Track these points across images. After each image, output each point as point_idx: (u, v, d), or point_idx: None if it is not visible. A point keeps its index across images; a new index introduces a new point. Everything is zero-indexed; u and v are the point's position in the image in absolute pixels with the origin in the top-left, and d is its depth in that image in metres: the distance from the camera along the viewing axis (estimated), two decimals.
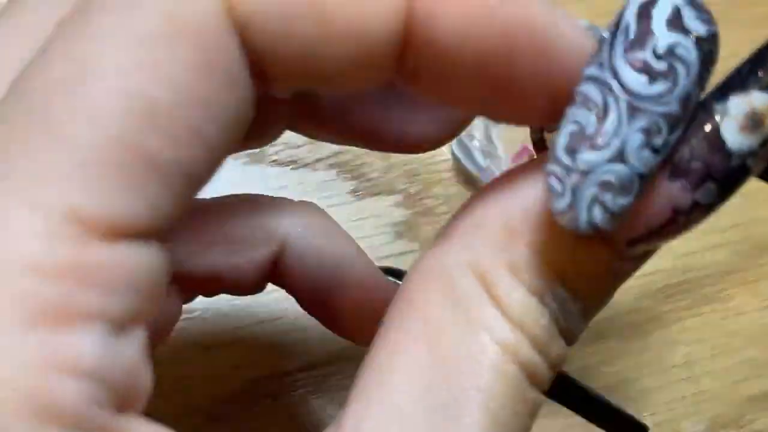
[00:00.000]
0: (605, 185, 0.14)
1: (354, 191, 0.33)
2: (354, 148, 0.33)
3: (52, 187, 0.12)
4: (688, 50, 0.14)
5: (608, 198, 0.14)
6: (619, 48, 0.14)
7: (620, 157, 0.14)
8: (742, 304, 0.33)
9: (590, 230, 0.14)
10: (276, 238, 0.23)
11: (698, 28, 0.14)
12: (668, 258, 0.34)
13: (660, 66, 0.14)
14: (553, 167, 0.15)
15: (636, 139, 0.14)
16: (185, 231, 0.22)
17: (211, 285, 0.23)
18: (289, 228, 0.23)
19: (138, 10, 0.13)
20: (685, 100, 0.14)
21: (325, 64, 0.15)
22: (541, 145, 0.19)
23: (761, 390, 0.32)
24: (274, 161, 0.32)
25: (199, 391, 0.29)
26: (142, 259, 0.13)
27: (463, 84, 0.15)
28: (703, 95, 0.15)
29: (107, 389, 0.13)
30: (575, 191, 0.14)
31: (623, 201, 0.14)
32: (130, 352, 0.13)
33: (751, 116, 0.15)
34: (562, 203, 0.14)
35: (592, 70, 0.15)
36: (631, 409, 0.31)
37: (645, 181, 0.15)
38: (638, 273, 0.34)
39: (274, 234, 0.23)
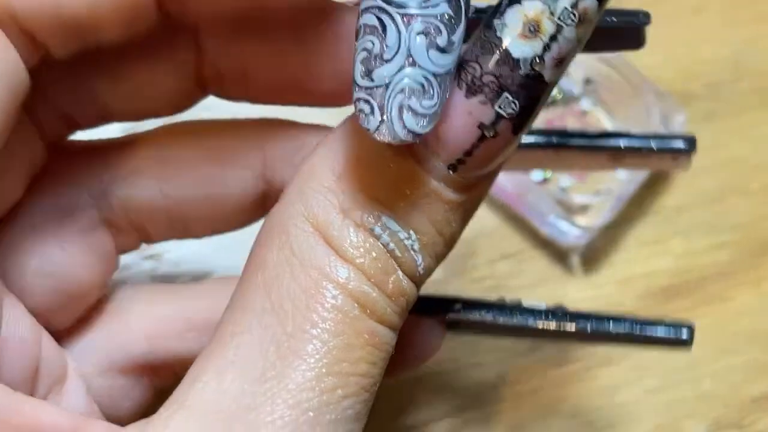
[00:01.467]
0: (407, 91, 0.15)
1: None
2: None
3: None
4: None
5: (413, 102, 0.16)
6: None
7: (411, 62, 0.16)
8: (744, 305, 0.33)
9: (408, 136, 0.15)
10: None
11: None
12: (669, 258, 0.34)
13: None
14: (357, 93, 0.16)
15: (419, 43, 0.16)
16: (159, 318, 0.23)
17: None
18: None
19: None
20: (453, 1, 0.16)
21: (84, 11, 0.17)
22: None
23: (763, 391, 0.32)
24: None
25: None
26: None
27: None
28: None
29: None
30: (381, 106, 0.15)
31: (428, 102, 0.16)
32: None
33: (527, 24, 0.16)
34: (374, 121, 0.16)
35: (365, 3, 0.16)
36: (631, 409, 0.31)
37: (445, 83, 0.16)
38: (639, 273, 0.34)
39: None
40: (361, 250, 0.17)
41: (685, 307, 0.33)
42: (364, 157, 0.17)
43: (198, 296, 0.24)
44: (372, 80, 0.16)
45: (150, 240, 0.24)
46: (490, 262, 0.33)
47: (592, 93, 0.36)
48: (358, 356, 0.16)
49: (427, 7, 0.16)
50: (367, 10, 0.16)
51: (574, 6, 0.16)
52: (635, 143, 0.22)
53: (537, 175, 0.34)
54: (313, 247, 0.17)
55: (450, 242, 0.18)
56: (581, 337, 0.22)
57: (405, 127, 0.16)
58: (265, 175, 0.23)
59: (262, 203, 0.23)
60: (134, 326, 0.23)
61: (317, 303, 0.16)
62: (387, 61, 0.16)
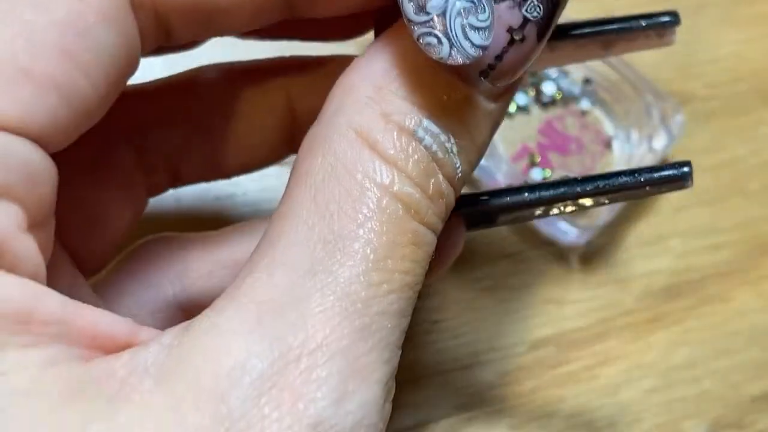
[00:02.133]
0: (463, 11, 0.17)
1: None
2: None
3: None
4: None
5: (472, 19, 0.17)
6: None
7: None
8: (744, 305, 0.33)
9: (478, 51, 0.17)
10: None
11: None
12: (669, 258, 0.34)
13: None
14: (417, 30, 0.17)
15: None
16: (191, 258, 0.24)
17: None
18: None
19: None
20: None
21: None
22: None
23: (763, 391, 0.32)
24: None
25: None
26: (12, 147, 0.15)
27: None
28: None
29: None
30: (446, 34, 0.17)
31: (483, 15, 0.17)
32: None
33: None
34: (444, 49, 0.17)
35: None
36: (631, 409, 0.31)
37: None
38: (639, 273, 0.34)
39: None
40: (405, 153, 0.17)
41: (685, 307, 0.33)
42: (402, 67, 0.18)
43: (225, 239, 0.24)
44: (428, 13, 0.17)
45: (180, 182, 0.25)
46: (490, 261, 0.33)
47: (591, 93, 0.36)
48: (402, 254, 0.17)
49: None
50: None
51: None
52: (625, 24, 0.23)
53: (537, 174, 0.34)
54: (357, 153, 0.17)
55: (481, 149, 0.19)
56: (598, 195, 0.23)
57: (473, 44, 0.17)
58: (291, 109, 0.24)
59: (290, 138, 0.24)
60: (165, 268, 0.24)
61: (362, 204, 0.17)
62: None
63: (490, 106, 0.19)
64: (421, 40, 0.17)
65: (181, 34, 0.19)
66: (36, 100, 0.16)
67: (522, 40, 0.17)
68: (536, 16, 0.17)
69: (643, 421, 0.31)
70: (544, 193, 0.22)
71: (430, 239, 0.18)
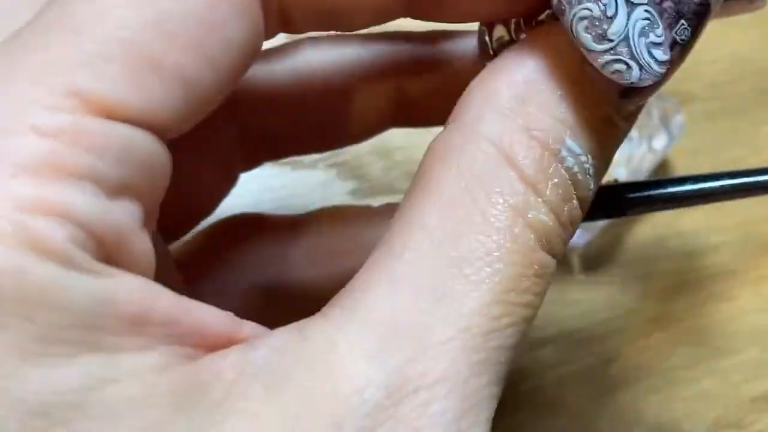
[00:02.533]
0: (643, 31, 0.16)
1: (354, 191, 0.33)
2: (354, 149, 0.33)
3: (60, 68, 0.14)
4: None
5: (652, 37, 0.16)
6: None
7: (630, 5, 0.16)
8: (745, 305, 0.33)
9: (663, 67, 0.17)
10: (372, 246, 0.24)
11: None
12: (670, 258, 0.34)
13: None
14: (601, 58, 0.16)
15: None
16: (275, 245, 0.23)
17: (307, 298, 0.23)
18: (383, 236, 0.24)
19: None
20: None
21: None
22: (484, 48, 0.21)
23: (763, 391, 0.32)
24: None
25: None
26: (135, 140, 0.15)
27: None
28: None
29: (92, 239, 0.14)
30: (633, 57, 0.16)
31: (659, 30, 0.17)
32: (120, 217, 0.15)
33: None
34: (635, 73, 0.16)
35: None
36: (631, 409, 0.31)
37: (656, 6, 0.17)
38: (639, 273, 0.34)
39: (369, 242, 0.23)
40: (545, 174, 0.17)
41: (685, 307, 0.33)
42: (547, 81, 0.17)
43: (312, 224, 0.24)
44: (610, 40, 0.16)
45: (277, 156, 0.24)
46: None
47: None
48: (526, 286, 0.16)
49: None
50: None
51: None
52: None
53: None
54: (496, 170, 0.16)
55: (606, 171, 0.18)
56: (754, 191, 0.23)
57: (657, 61, 0.16)
58: (398, 86, 0.23)
59: (394, 113, 0.24)
60: (248, 250, 0.23)
61: (494, 230, 0.16)
62: (612, 16, 0.16)
63: (623, 125, 0.18)
64: (606, 69, 0.16)
65: (300, 28, 0.18)
66: (162, 93, 0.15)
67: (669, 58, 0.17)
68: (684, 40, 0.17)
69: (643, 421, 0.31)
70: (692, 187, 0.22)
71: (553, 268, 0.17)
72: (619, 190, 0.22)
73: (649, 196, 0.22)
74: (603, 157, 0.18)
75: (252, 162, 0.24)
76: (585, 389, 0.31)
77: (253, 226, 0.24)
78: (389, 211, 0.24)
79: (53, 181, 0.14)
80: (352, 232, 0.24)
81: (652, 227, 0.34)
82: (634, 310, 0.32)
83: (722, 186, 0.23)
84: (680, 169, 0.35)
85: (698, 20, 0.17)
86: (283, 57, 0.23)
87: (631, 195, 0.22)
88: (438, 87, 0.21)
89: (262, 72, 0.23)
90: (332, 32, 0.20)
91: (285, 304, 0.23)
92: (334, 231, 0.24)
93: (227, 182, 0.23)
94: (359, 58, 0.23)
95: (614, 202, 0.22)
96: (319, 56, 0.23)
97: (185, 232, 0.23)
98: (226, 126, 0.23)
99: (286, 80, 0.23)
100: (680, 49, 0.17)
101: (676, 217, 0.35)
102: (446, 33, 0.23)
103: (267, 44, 0.19)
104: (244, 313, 0.19)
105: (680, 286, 0.33)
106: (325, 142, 0.25)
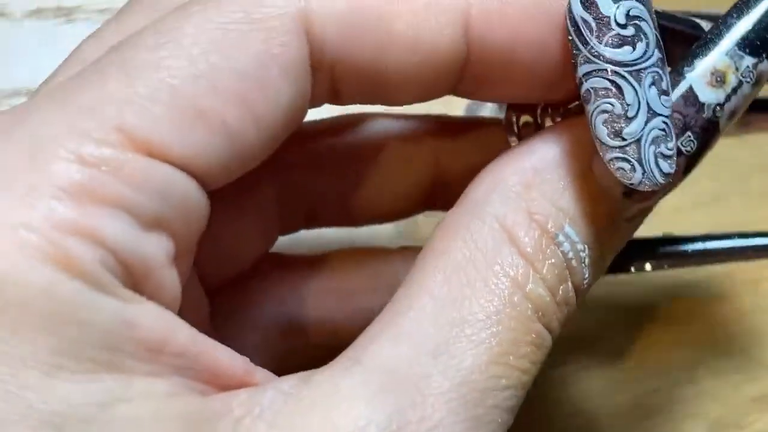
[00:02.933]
0: (656, 140, 0.17)
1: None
2: None
3: (111, 104, 0.16)
4: (638, 8, 0.17)
5: (662, 148, 0.17)
6: (592, 39, 0.17)
7: (651, 113, 0.17)
8: (745, 305, 0.33)
9: (666, 179, 0.17)
10: (388, 286, 0.24)
11: None
12: None
13: (629, 31, 0.17)
14: (610, 154, 0.17)
15: (652, 93, 0.17)
16: (295, 282, 0.24)
17: (324, 334, 0.24)
18: (399, 277, 0.24)
19: (224, 5, 0.17)
20: (658, 44, 0.18)
21: (389, 74, 0.18)
22: (510, 127, 0.22)
23: (763, 391, 0.32)
24: None
25: None
26: (174, 180, 0.16)
27: (511, 80, 0.19)
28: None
29: (121, 265, 0.15)
30: (640, 161, 0.17)
31: (671, 143, 0.17)
32: (151, 249, 0.16)
33: (714, 74, 0.18)
34: (637, 176, 0.17)
35: (585, 68, 0.17)
36: (631, 409, 0.31)
37: (672, 121, 0.18)
38: (639, 273, 0.34)
39: (385, 283, 0.24)
40: (543, 254, 0.18)
41: (685, 307, 0.33)
42: (553, 172, 0.19)
43: (330, 265, 0.25)
44: (624, 139, 0.17)
45: (314, 225, 0.25)
46: None
47: None
48: (524, 352, 0.17)
49: (649, 57, 0.17)
50: (590, 74, 0.17)
51: (755, 66, 0.18)
52: None
53: None
54: (498, 245, 0.18)
55: (606, 265, 0.20)
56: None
57: (662, 172, 0.17)
58: (437, 168, 0.24)
59: (430, 196, 0.25)
60: (271, 288, 0.24)
61: (495, 296, 0.17)
62: (632, 118, 0.17)
63: (624, 226, 0.19)
64: (612, 164, 0.17)
65: (347, 99, 0.19)
66: (205, 141, 0.16)
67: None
68: (689, 151, 0.18)
69: (644, 421, 0.31)
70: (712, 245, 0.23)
71: (548, 343, 0.18)
72: (629, 246, 0.22)
73: (657, 253, 0.23)
74: (600, 250, 0.19)
75: (289, 228, 0.25)
76: (585, 389, 0.31)
77: (274, 265, 0.25)
78: (404, 252, 0.25)
79: (91, 207, 0.15)
80: (368, 272, 0.25)
81: (653, 228, 0.34)
82: (634, 310, 0.32)
83: (732, 247, 0.23)
84: None
85: (704, 135, 0.18)
86: (332, 128, 0.24)
87: (641, 251, 0.23)
88: (475, 170, 0.22)
89: (308, 140, 0.24)
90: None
91: (302, 341, 0.24)
92: (351, 271, 0.25)
93: (265, 242, 0.24)
94: (402, 136, 0.24)
95: (619, 258, 0.22)
96: (364, 131, 0.24)
97: (220, 285, 0.24)
98: (267, 190, 0.24)
99: (331, 151, 0.24)
100: (684, 159, 0.18)
101: (676, 217, 0.35)
102: (484, 120, 0.25)
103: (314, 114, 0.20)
104: (262, 348, 0.20)
105: (681, 286, 0.33)
106: (361, 217, 0.25)
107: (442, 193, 0.25)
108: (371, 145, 0.24)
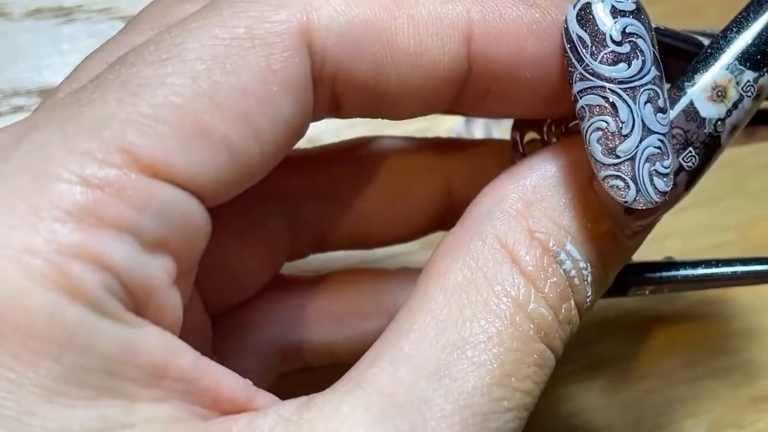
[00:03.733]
0: (651, 158, 0.17)
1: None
2: None
3: (114, 124, 0.15)
4: (635, 25, 0.17)
5: (658, 166, 0.17)
6: (587, 56, 0.17)
7: (646, 130, 0.17)
8: (745, 304, 0.33)
9: (661, 197, 0.17)
10: (387, 309, 0.24)
11: (629, 5, 0.17)
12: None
13: (625, 48, 0.17)
14: (604, 171, 0.17)
15: (647, 111, 0.17)
16: (294, 305, 0.24)
17: (324, 357, 0.24)
18: (398, 299, 0.24)
19: (227, 20, 0.16)
20: (655, 61, 0.17)
21: (390, 88, 0.18)
22: (515, 145, 0.22)
23: (763, 391, 0.32)
24: None
25: None
26: (176, 200, 0.16)
27: (511, 96, 0.19)
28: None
29: (124, 289, 0.15)
30: (634, 179, 0.17)
31: (667, 161, 0.17)
32: (154, 271, 0.16)
33: (715, 89, 0.18)
34: (630, 193, 0.17)
35: (580, 85, 0.17)
36: (631, 409, 0.31)
37: (669, 139, 0.17)
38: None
39: (385, 305, 0.24)
40: (544, 273, 0.18)
41: (685, 307, 0.33)
42: (553, 189, 0.18)
43: (326, 287, 0.25)
44: (618, 156, 0.17)
45: (323, 250, 0.25)
46: None
47: None
48: (526, 374, 0.17)
49: (645, 74, 0.17)
50: (585, 91, 0.17)
51: (756, 80, 0.18)
52: None
53: None
54: (499, 264, 0.17)
55: (609, 283, 0.19)
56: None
57: (657, 190, 0.17)
58: (449, 192, 0.24)
59: (443, 218, 0.24)
60: (270, 311, 0.24)
61: (496, 317, 0.17)
62: (626, 136, 0.17)
63: (627, 242, 0.19)
64: (606, 182, 0.17)
65: (348, 113, 0.19)
66: (208, 159, 0.16)
67: (674, 186, 0.18)
68: (690, 167, 0.18)
69: (643, 421, 0.31)
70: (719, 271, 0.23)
71: (551, 363, 0.18)
72: (628, 269, 0.22)
73: (657, 278, 0.23)
74: (603, 269, 0.19)
75: (298, 254, 0.25)
76: (585, 389, 0.31)
77: (273, 285, 0.24)
78: (405, 273, 0.25)
79: (94, 229, 0.15)
80: (369, 294, 0.24)
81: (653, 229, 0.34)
82: (634, 310, 0.32)
83: (733, 273, 0.23)
84: None
85: (707, 150, 0.18)
86: (341, 153, 0.24)
87: (641, 276, 0.23)
88: None
89: (318, 167, 0.24)
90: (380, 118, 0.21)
91: (302, 362, 0.24)
92: (352, 293, 0.25)
93: (272, 269, 0.24)
94: (412, 159, 0.24)
95: (617, 281, 0.22)
96: (374, 154, 0.24)
97: (226, 309, 0.23)
98: (276, 216, 0.23)
99: (340, 177, 0.24)
100: (686, 175, 0.18)
101: (676, 217, 0.35)
102: (494, 141, 0.25)
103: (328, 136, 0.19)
104: (261, 369, 0.20)
105: None
106: (371, 241, 0.25)
107: (454, 215, 0.24)
108: (381, 168, 0.24)
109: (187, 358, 0.16)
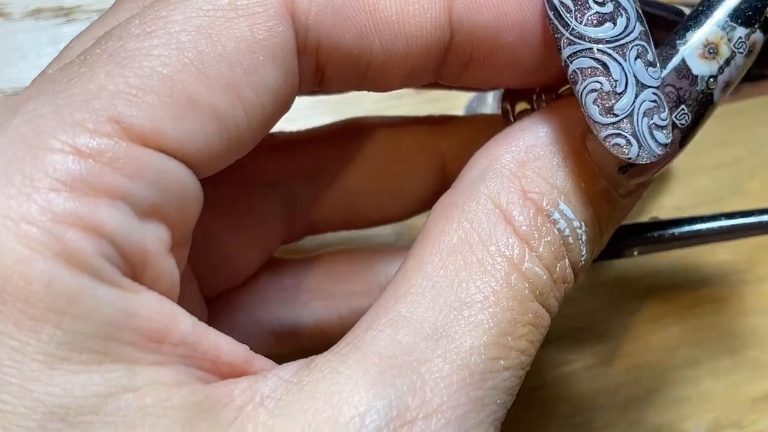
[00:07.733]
0: (648, 112, 0.17)
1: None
2: None
3: (103, 95, 0.15)
4: None
5: (656, 119, 0.17)
6: (572, 20, 0.17)
7: (640, 86, 0.17)
8: (744, 305, 0.33)
9: (663, 150, 0.17)
10: (380, 287, 0.24)
11: None
12: (669, 258, 0.34)
13: (608, 8, 0.17)
14: (605, 131, 0.17)
15: (638, 66, 0.17)
16: (287, 286, 0.24)
17: (317, 337, 0.24)
18: (391, 277, 0.24)
19: None
20: (639, 17, 0.17)
21: (374, 57, 0.18)
22: (506, 115, 0.22)
23: (763, 391, 0.32)
24: None
25: None
26: (168, 168, 0.16)
27: (495, 64, 0.19)
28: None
29: (121, 255, 0.15)
30: (635, 134, 0.17)
31: (664, 113, 0.17)
32: (149, 237, 0.16)
33: (707, 46, 0.18)
34: (634, 150, 0.17)
35: (569, 50, 0.17)
36: (632, 408, 0.31)
37: (663, 91, 0.18)
38: (640, 272, 0.34)
39: (377, 283, 0.24)
40: (538, 232, 0.18)
41: (685, 307, 0.33)
42: (546, 149, 0.18)
43: (319, 268, 0.25)
44: (616, 115, 0.17)
45: (317, 232, 0.25)
46: None
47: None
48: (521, 333, 0.17)
49: (631, 31, 0.17)
50: (574, 55, 0.17)
51: (747, 37, 0.18)
52: None
53: None
54: (493, 225, 0.18)
55: (604, 243, 0.19)
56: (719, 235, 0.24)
57: (658, 143, 0.17)
58: (443, 168, 0.24)
59: (439, 195, 0.25)
60: (266, 292, 0.24)
61: (491, 277, 0.17)
62: (621, 93, 0.17)
63: (621, 201, 0.19)
64: (608, 141, 0.17)
65: (333, 84, 0.19)
66: (196, 128, 0.16)
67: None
68: (683, 124, 0.18)
69: (643, 421, 0.31)
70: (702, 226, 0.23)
71: (546, 322, 0.18)
72: (617, 233, 0.23)
73: (643, 238, 0.23)
74: (598, 228, 0.19)
75: (292, 237, 0.25)
76: (585, 389, 0.31)
77: (266, 267, 0.25)
78: (397, 251, 0.25)
79: (89, 198, 0.15)
80: (361, 273, 0.25)
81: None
82: (634, 310, 0.32)
83: (720, 227, 0.23)
84: (679, 170, 0.35)
85: (699, 108, 0.18)
86: (334, 135, 0.24)
87: (630, 237, 0.23)
88: None
89: (311, 149, 0.24)
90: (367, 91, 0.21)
91: (296, 343, 0.24)
92: (344, 273, 0.25)
93: (267, 252, 0.24)
94: (407, 138, 0.24)
95: (611, 245, 0.23)
96: (367, 135, 0.24)
97: (221, 291, 0.24)
98: (268, 199, 0.24)
99: (334, 159, 0.24)
100: (680, 132, 0.18)
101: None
102: (488, 117, 0.25)
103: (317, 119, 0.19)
104: (255, 351, 0.20)
105: (680, 287, 0.33)
106: (366, 220, 0.25)
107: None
108: (373, 148, 0.24)
109: (185, 323, 0.16)
